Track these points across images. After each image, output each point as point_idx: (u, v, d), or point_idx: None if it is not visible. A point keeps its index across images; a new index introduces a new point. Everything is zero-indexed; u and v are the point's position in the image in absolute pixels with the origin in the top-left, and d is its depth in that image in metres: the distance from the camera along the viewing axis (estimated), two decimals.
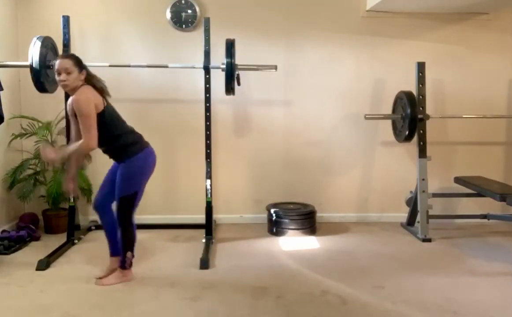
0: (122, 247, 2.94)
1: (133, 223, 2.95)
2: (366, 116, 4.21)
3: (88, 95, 2.74)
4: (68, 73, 2.73)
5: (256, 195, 4.50)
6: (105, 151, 2.93)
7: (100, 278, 2.98)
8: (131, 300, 2.73)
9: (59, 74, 2.75)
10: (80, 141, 2.75)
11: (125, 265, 2.95)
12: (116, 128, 2.85)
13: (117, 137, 2.85)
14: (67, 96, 3.36)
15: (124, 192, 2.87)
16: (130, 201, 2.88)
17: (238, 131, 4.46)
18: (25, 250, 3.64)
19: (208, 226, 3.85)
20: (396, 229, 4.30)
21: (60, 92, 3.56)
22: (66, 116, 3.81)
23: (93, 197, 4.17)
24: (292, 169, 4.50)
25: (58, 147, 3.16)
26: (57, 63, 2.77)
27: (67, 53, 3.45)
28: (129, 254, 2.95)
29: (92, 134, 2.70)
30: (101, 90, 2.84)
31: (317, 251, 3.71)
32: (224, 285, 2.96)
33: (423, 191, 3.98)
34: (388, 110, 4.33)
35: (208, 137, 3.86)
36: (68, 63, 2.74)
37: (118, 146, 2.87)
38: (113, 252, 3.07)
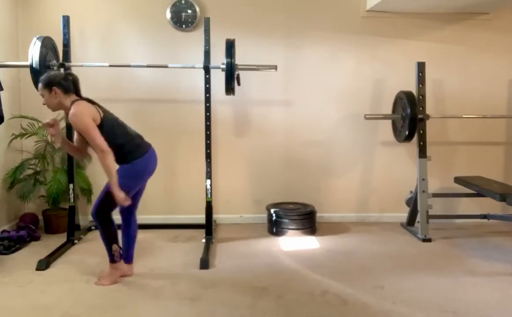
0: (106, 242, 2.91)
1: (112, 219, 2.91)
2: (366, 116, 4.21)
3: (80, 108, 2.74)
4: (43, 96, 2.83)
5: (256, 195, 4.50)
6: None
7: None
8: (131, 300, 2.73)
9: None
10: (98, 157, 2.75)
11: (114, 258, 2.93)
12: (117, 137, 2.81)
13: (120, 146, 2.81)
14: None
15: None
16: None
17: (238, 131, 4.46)
18: (25, 250, 3.64)
19: (208, 226, 3.85)
20: (396, 229, 4.30)
21: None
22: (67, 117, 3.81)
23: (93, 197, 4.18)
24: (292, 169, 4.50)
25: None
26: None
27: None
28: (114, 246, 2.92)
29: (99, 143, 2.70)
30: (92, 101, 2.84)
31: (317, 251, 3.71)
32: (224, 285, 2.96)
33: (423, 191, 3.98)
34: (388, 110, 4.33)
35: (208, 137, 3.86)
36: (40, 89, 2.84)
37: (121, 154, 2.82)
38: (125, 259, 3.04)
